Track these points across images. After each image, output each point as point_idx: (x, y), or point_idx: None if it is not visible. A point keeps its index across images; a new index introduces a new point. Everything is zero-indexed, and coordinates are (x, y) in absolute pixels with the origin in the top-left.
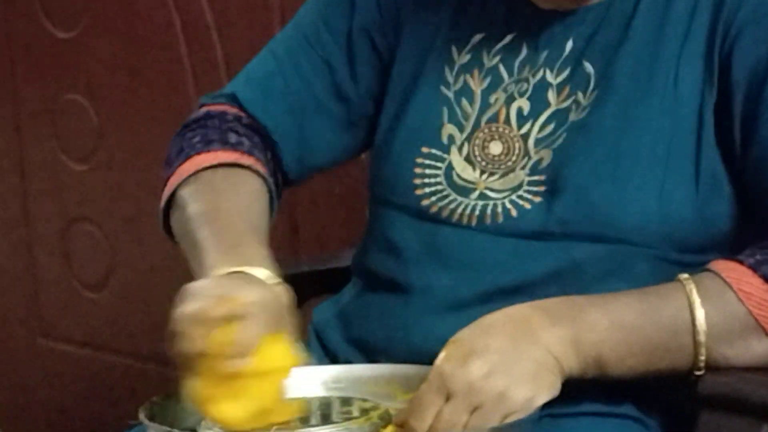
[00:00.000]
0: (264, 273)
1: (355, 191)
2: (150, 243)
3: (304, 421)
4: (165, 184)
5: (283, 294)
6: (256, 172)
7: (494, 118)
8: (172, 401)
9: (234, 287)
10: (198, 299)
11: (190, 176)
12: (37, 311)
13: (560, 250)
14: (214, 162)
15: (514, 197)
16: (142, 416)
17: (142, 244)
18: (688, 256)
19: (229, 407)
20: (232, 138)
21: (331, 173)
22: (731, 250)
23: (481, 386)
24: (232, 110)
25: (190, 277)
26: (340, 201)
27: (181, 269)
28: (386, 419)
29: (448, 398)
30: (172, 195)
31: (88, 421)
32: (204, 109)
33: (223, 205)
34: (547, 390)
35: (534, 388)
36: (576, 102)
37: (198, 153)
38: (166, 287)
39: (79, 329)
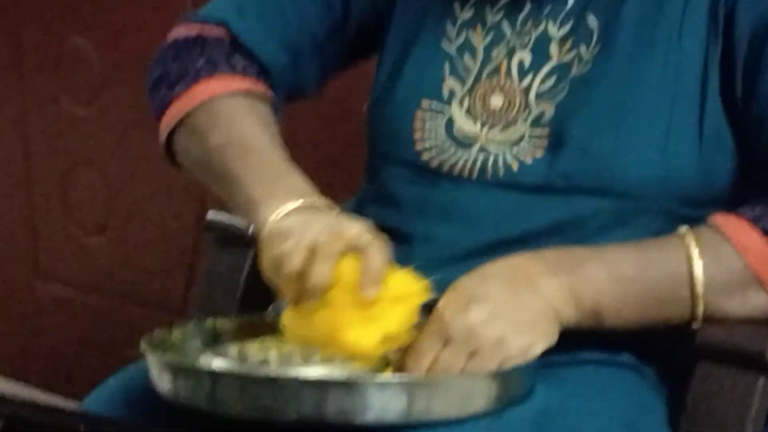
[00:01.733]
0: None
1: (353, 140)
2: (150, 189)
3: (305, 359)
4: (165, 106)
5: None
6: (267, 100)
7: (495, 71)
8: (174, 335)
9: (334, 220)
10: (307, 233)
11: (203, 103)
12: (35, 254)
13: (562, 203)
14: (230, 90)
15: (515, 151)
16: (143, 346)
17: (142, 189)
18: (690, 210)
19: (362, 334)
20: (238, 63)
21: (330, 123)
22: (733, 204)
23: (479, 332)
24: (227, 37)
25: (187, 222)
26: (339, 150)
27: (180, 216)
28: (386, 361)
29: (446, 343)
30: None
31: (84, 364)
32: (195, 30)
33: (249, 134)
34: (544, 339)
35: (532, 337)
36: (578, 56)
37: (207, 77)
38: (164, 233)
39: (76, 273)
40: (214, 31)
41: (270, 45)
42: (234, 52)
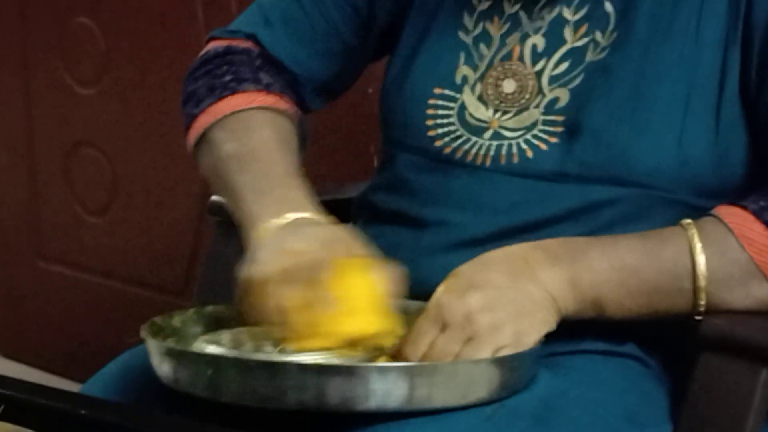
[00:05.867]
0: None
1: (360, 126)
2: (153, 170)
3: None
4: (191, 121)
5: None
6: (290, 116)
7: (508, 56)
8: (174, 321)
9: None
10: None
11: (225, 117)
12: (38, 234)
13: (577, 192)
14: (252, 105)
15: (528, 137)
16: (143, 333)
17: (145, 170)
18: (704, 200)
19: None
20: (265, 78)
21: (338, 108)
22: (748, 195)
23: (476, 318)
24: (255, 48)
25: (190, 205)
26: (345, 135)
27: (183, 198)
28: (380, 349)
29: (443, 328)
30: (203, 133)
31: (84, 345)
32: (224, 44)
33: (256, 146)
34: (540, 327)
35: (528, 325)
36: (594, 41)
37: (232, 93)
38: (167, 214)
39: (79, 253)
40: (242, 44)
41: (299, 53)
42: (263, 66)
